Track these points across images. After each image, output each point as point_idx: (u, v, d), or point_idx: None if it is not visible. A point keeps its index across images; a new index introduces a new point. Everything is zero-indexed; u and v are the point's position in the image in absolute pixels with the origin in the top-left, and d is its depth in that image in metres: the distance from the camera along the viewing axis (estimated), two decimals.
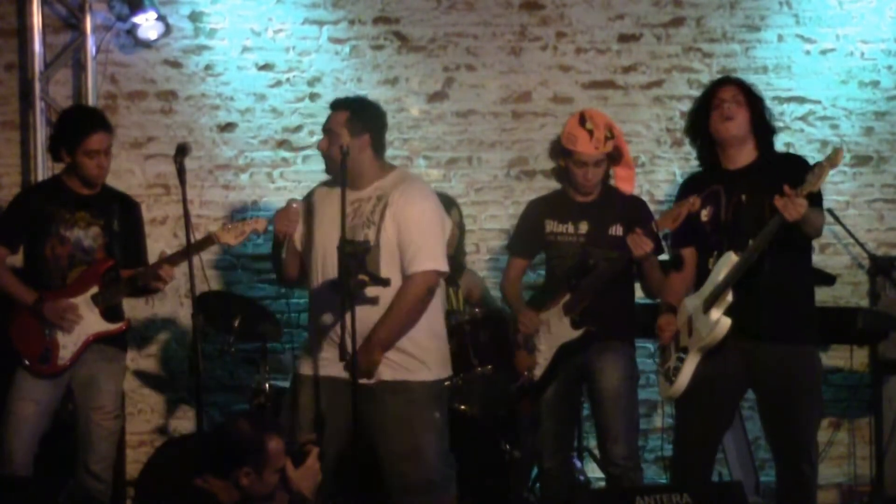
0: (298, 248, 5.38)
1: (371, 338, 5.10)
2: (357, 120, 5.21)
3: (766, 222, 5.12)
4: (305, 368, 5.32)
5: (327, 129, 5.27)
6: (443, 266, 5.21)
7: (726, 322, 5.19)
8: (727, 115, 5.25)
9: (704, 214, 5.33)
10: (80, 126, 5.79)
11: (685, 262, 5.46)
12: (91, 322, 5.76)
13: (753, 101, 5.32)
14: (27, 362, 5.72)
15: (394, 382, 5.17)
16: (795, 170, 5.22)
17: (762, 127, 5.33)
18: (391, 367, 5.16)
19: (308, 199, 5.43)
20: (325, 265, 5.22)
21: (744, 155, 5.31)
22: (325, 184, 5.42)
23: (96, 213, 5.84)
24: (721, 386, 5.30)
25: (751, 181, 5.26)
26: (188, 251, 5.77)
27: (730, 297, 5.19)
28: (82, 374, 5.79)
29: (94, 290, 5.76)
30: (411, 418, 5.18)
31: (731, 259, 5.20)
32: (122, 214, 5.91)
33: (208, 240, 5.72)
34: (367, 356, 5.08)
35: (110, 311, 5.81)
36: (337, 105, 5.32)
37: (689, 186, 5.47)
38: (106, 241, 5.84)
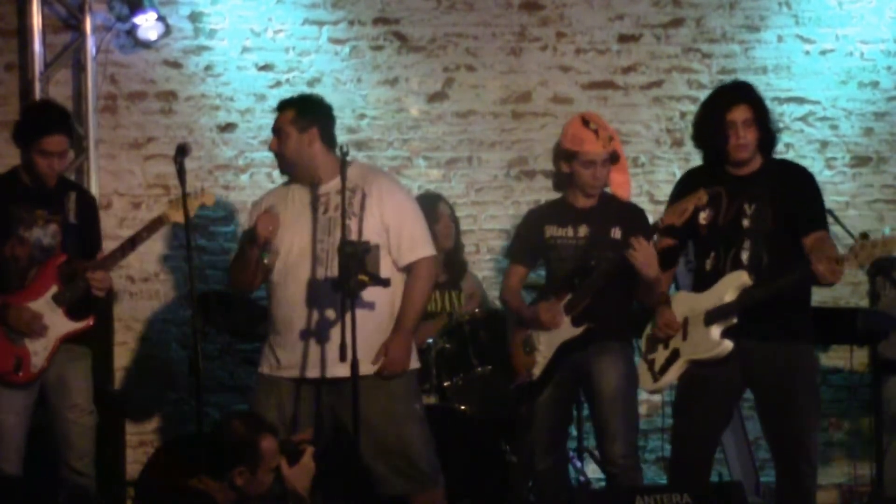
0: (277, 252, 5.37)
1: (401, 328, 5.26)
2: (302, 116, 5.30)
3: (768, 233, 5.17)
4: (273, 370, 5.33)
5: (276, 129, 5.36)
6: (434, 250, 5.44)
7: (728, 346, 5.20)
8: (742, 143, 5.25)
9: (703, 217, 5.32)
10: (39, 124, 5.65)
11: (673, 254, 5.48)
12: (57, 324, 5.64)
13: (762, 118, 5.30)
14: (1, 375, 5.60)
15: (374, 377, 5.22)
16: (800, 184, 5.30)
17: (768, 139, 5.34)
18: (368, 362, 5.20)
19: (265, 203, 5.44)
20: (298, 265, 5.25)
21: (750, 164, 5.33)
22: (279, 187, 5.51)
23: (54, 210, 5.71)
24: (716, 386, 5.29)
25: (755, 190, 5.26)
26: (123, 248, 5.69)
27: (735, 320, 5.19)
28: (52, 375, 5.68)
29: (54, 289, 5.64)
30: (395, 412, 5.27)
31: (741, 280, 5.18)
32: (77, 207, 5.78)
33: (158, 222, 5.66)
34: (404, 346, 5.27)
35: (74, 309, 5.68)
36: (282, 105, 5.41)
37: (690, 181, 5.46)
38: (62, 238, 5.71)
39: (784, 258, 5.19)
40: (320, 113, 5.37)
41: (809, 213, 5.25)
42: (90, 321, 5.75)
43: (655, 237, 5.40)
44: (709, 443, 5.43)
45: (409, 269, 5.33)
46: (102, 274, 5.65)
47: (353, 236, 5.20)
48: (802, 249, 5.19)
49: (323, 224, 5.25)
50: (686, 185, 5.45)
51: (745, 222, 5.25)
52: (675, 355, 5.34)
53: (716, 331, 5.22)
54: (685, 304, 5.37)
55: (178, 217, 5.53)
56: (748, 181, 5.29)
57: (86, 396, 5.78)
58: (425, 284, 5.35)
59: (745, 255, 5.24)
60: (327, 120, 5.37)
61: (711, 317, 5.22)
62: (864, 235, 5.05)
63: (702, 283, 5.35)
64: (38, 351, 5.63)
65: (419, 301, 5.34)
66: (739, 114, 5.27)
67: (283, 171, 5.45)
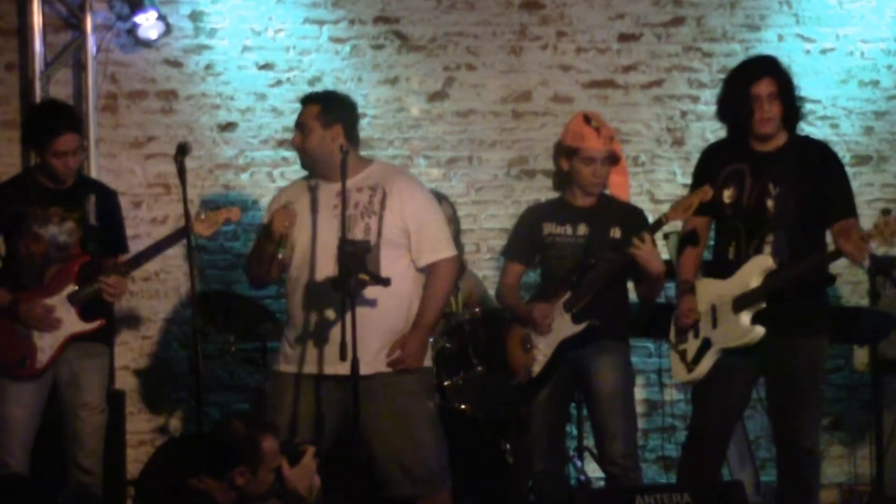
0: (293, 247, 5.39)
1: (419, 325, 5.27)
2: (328, 112, 5.29)
3: (792, 215, 5.18)
4: (288, 366, 5.34)
5: (299, 123, 5.36)
6: (455, 250, 5.46)
7: (760, 332, 5.20)
8: (766, 116, 5.26)
9: (727, 195, 5.33)
10: (48, 127, 5.70)
11: (699, 235, 5.48)
12: (68, 322, 5.69)
13: (787, 92, 5.32)
14: (5, 367, 5.66)
15: (388, 374, 5.22)
16: (825, 163, 5.32)
17: (793, 113, 5.35)
18: (383, 360, 5.21)
19: (284, 198, 5.45)
20: (313, 261, 5.25)
21: (775, 139, 5.33)
22: (298, 182, 5.52)
23: (70, 207, 5.76)
24: (737, 378, 5.33)
25: (779, 169, 5.26)
26: (145, 253, 5.77)
27: (763, 305, 5.20)
28: (65, 372, 5.74)
29: (71, 288, 5.69)
30: (407, 410, 5.25)
31: (766, 264, 5.19)
32: (98, 205, 5.83)
33: (182, 232, 5.66)
34: (421, 343, 5.27)
35: (88, 309, 5.72)
36: (307, 100, 5.40)
37: (713, 156, 5.49)
38: (81, 236, 5.77)
39: (807, 250, 5.21)
40: (345, 110, 5.35)
41: (837, 200, 5.24)
42: (102, 323, 5.79)
43: (676, 218, 5.39)
44: (727, 431, 5.46)
45: (429, 269, 5.34)
46: (116, 279, 5.68)
47: (374, 235, 5.21)
48: (825, 239, 5.21)
49: (345, 221, 5.20)
50: (708, 160, 5.49)
51: (770, 203, 5.25)
52: (706, 344, 5.34)
53: (746, 317, 5.22)
54: (711, 290, 5.36)
55: (203, 230, 5.57)
56: (772, 159, 5.29)
57: (98, 395, 5.82)
58: (446, 284, 5.37)
59: (767, 250, 5.25)
60: (352, 118, 5.36)
61: (740, 303, 5.22)
62: (887, 211, 5.05)
63: (724, 270, 5.35)
64: (45, 347, 5.67)
65: (439, 300, 5.36)
66: (764, 87, 5.28)
67: (303, 166, 5.43)
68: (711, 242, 5.57)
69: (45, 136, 5.68)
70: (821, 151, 5.42)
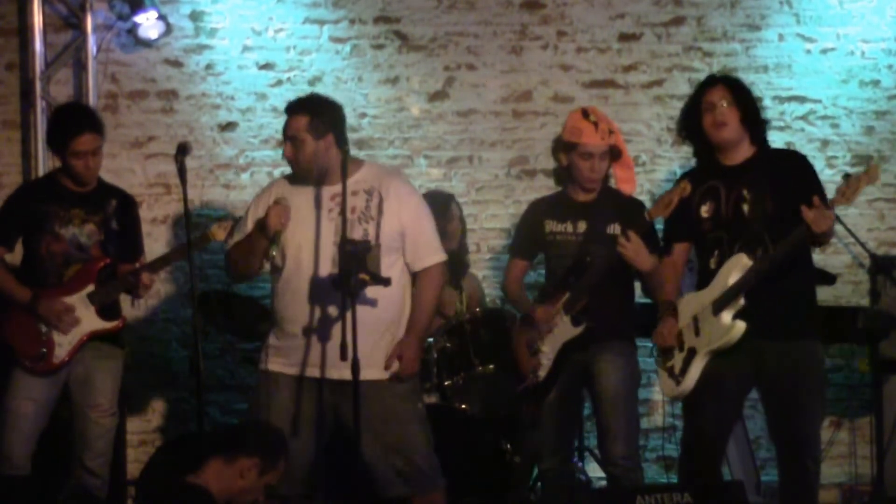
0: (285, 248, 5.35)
1: (413, 332, 5.29)
2: (318, 122, 5.22)
3: (769, 216, 5.15)
4: (277, 366, 5.32)
5: (290, 136, 5.26)
6: (445, 255, 5.46)
7: (741, 326, 5.17)
8: (720, 120, 5.26)
9: (705, 210, 5.32)
10: (67, 127, 5.78)
11: (674, 252, 5.48)
12: (87, 320, 5.76)
13: (743, 99, 5.31)
14: (23, 360, 5.73)
15: (379, 379, 5.23)
16: (796, 166, 5.31)
17: (755, 123, 5.33)
18: (377, 366, 5.22)
19: (274, 192, 5.39)
20: (309, 264, 5.23)
21: (741, 151, 5.32)
22: (285, 178, 5.44)
23: (92, 210, 5.85)
24: (728, 385, 5.29)
25: (751, 176, 5.26)
26: (168, 256, 5.88)
27: (742, 301, 5.17)
28: (79, 371, 5.79)
29: (90, 288, 5.77)
30: (398, 412, 5.26)
31: (742, 261, 5.17)
32: (119, 211, 5.91)
33: (204, 238, 5.79)
34: (416, 349, 5.30)
35: (106, 309, 5.82)
36: (294, 109, 5.29)
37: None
38: (101, 239, 5.85)
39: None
40: (335, 116, 5.29)
41: (810, 197, 5.21)
42: (120, 323, 5.88)
43: (658, 215, 5.38)
44: (721, 442, 5.43)
45: (421, 274, 5.35)
46: (147, 276, 5.79)
47: (371, 240, 5.19)
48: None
49: (338, 224, 5.18)
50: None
51: (745, 207, 5.24)
52: (692, 354, 5.31)
53: (726, 315, 5.20)
54: (693, 303, 5.36)
55: (224, 236, 5.66)
56: (743, 169, 5.29)
57: (110, 397, 5.86)
58: (437, 287, 5.39)
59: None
60: (341, 122, 5.32)
61: (719, 304, 5.21)
62: (847, 175, 5.06)
63: (707, 281, 5.34)
64: (63, 343, 5.75)
65: (431, 305, 5.37)
66: (716, 94, 5.29)
67: (296, 173, 5.34)
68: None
69: (64, 137, 5.76)
70: (790, 157, 5.47)
